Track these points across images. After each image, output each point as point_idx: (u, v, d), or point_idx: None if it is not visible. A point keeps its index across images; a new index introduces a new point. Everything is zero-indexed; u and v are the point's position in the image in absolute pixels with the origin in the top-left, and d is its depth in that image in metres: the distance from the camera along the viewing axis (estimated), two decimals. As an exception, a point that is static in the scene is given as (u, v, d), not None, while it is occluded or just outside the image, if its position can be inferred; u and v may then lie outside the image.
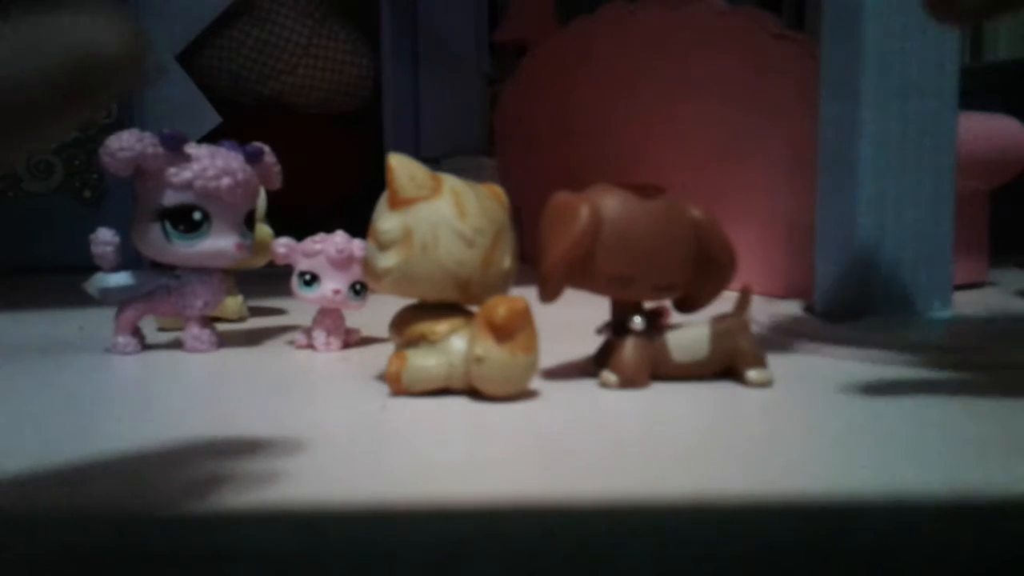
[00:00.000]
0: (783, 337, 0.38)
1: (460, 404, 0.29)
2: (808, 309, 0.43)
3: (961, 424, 0.28)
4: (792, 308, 0.43)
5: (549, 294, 0.31)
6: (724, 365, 0.32)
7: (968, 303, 0.44)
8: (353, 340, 0.40)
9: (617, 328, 0.32)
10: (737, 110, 0.53)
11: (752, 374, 0.31)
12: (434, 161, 0.84)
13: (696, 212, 0.31)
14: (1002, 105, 0.53)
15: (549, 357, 0.32)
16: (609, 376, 0.31)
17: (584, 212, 0.30)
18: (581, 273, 0.30)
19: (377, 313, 0.35)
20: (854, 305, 0.39)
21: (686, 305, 0.33)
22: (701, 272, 0.31)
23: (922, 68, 0.39)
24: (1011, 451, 0.25)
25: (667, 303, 0.32)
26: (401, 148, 0.83)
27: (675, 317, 0.32)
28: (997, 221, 0.55)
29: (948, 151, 0.40)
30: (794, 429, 0.27)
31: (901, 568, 0.19)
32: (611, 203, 0.30)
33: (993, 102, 0.53)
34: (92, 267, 0.38)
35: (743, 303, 0.32)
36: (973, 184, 0.51)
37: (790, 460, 0.24)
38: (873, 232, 0.39)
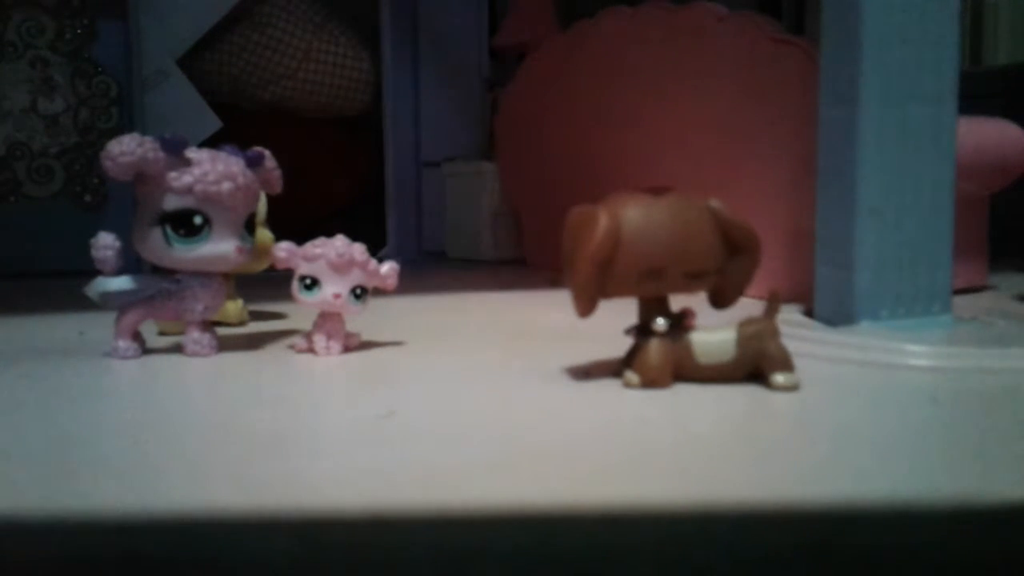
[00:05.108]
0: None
1: (461, 405, 0.29)
2: (808, 313, 0.43)
3: (961, 428, 0.28)
4: (792, 312, 0.43)
5: (584, 306, 0.31)
6: (750, 369, 0.32)
7: (968, 307, 0.44)
8: (353, 344, 0.40)
9: (642, 330, 0.32)
10: (737, 114, 0.53)
11: (779, 378, 0.31)
12: (434, 165, 0.84)
13: (712, 202, 0.31)
14: (1002, 109, 0.54)
15: (580, 357, 0.33)
16: (631, 376, 0.32)
17: (602, 215, 0.30)
18: (612, 277, 0.30)
19: (377, 317, 0.35)
20: (854, 309, 0.39)
21: (720, 296, 0.32)
22: (728, 258, 0.31)
23: (921, 72, 0.39)
24: (1012, 454, 0.25)
25: (693, 308, 0.32)
26: (401, 152, 0.83)
27: (706, 319, 0.32)
28: (997, 225, 0.55)
29: (948, 155, 0.40)
30: (793, 430, 0.27)
31: (906, 570, 0.19)
32: (626, 203, 0.30)
33: (993, 106, 0.53)
34: (93, 271, 0.38)
35: (772, 308, 0.32)
36: (972, 188, 0.51)
37: (789, 462, 0.24)
38: (873, 236, 0.39)
